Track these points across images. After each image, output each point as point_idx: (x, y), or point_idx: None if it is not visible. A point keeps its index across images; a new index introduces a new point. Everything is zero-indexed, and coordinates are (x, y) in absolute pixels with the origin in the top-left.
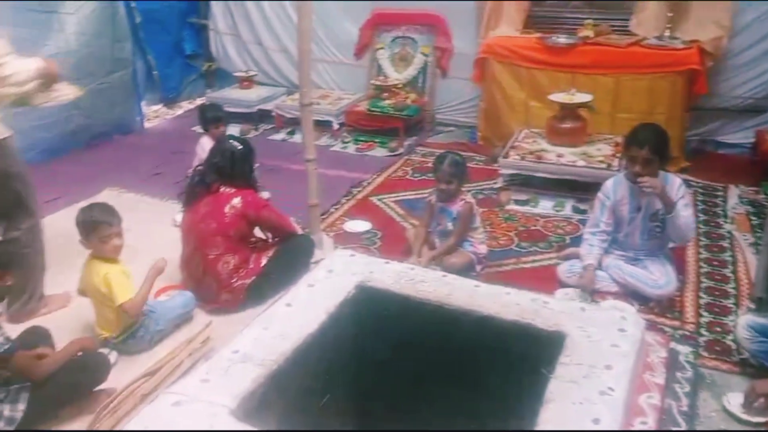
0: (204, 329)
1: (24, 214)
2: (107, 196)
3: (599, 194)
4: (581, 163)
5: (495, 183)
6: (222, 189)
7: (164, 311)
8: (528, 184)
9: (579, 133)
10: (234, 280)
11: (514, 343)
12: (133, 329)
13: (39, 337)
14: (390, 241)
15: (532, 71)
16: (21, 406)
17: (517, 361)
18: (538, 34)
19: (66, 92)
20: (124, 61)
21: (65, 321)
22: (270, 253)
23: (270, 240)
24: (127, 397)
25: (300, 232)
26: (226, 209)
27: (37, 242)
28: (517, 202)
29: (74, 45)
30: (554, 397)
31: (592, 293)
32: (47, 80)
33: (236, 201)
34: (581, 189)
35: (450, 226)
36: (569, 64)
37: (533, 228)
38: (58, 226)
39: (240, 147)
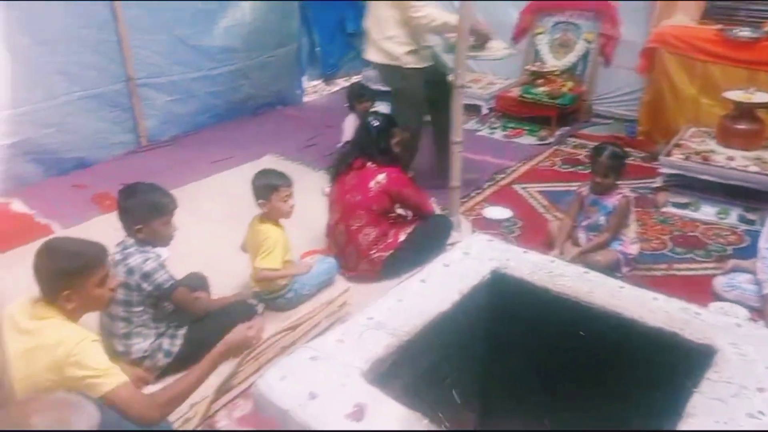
0: (342, 294)
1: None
2: (268, 161)
3: None
4: (754, 168)
5: (653, 182)
6: (369, 165)
7: (310, 277)
8: (690, 186)
9: (755, 136)
10: (373, 251)
11: (655, 352)
12: (283, 290)
13: (198, 281)
14: (530, 232)
15: (707, 65)
16: (178, 342)
17: (657, 371)
18: (718, 26)
19: (497, 49)
20: (291, 37)
21: (220, 274)
22: (408, 229)
23: (409, 218)
24: (268, 347)
25: (438, 212)
26: (371, 184)
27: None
28: (675, 204)
29: (248, 18)
30: (696, 413)
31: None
32: (479, 37)
33: (381, 177)
34: (751, 197)
35: (602, 220)
36: (750, 60)
37: (691, 234)
38: (226, 184)
39: (378, 123)
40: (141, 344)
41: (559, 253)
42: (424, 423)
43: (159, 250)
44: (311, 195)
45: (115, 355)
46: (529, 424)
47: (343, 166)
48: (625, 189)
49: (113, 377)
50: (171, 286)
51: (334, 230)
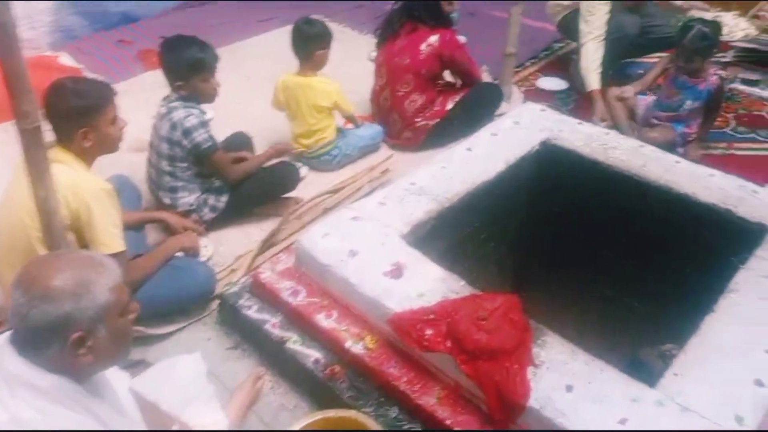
0: (386, 160)
1: None
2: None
3: None
4: None
5: (723, 56)
6: (420, 27)
7: (355, 138)
8: (762, 62)
9: None
10: (418, 119)
11: (708, 228)
12: (330, 147)
13: (242, 142)
14: (586, 105)
15: None
16: (224, 198)
17: (708, 246)
18: None
19: None
20: None
21: (265, 132)
22: (456, 98)
23: (458, 85)
24: (311, 208)
25: (488, 80)
26: (422, 47)
27: None
28: (744, 81)
29: None
30: (739, 288)
31: None
32: None
33: (433, 39)
34: None
35: (687, 104)
36: None
37: (756, 113)
38: (272, 44)
39: None
40: (187, 198)
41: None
42: (461, 284)
43: (205, 107)
44: (355, 60)
45: (162, 207)
46: (567, 295)
47: (391, 28)
48: (717, 68)
49: (116, 241)
50: (209, 147)
51: (379, 95)
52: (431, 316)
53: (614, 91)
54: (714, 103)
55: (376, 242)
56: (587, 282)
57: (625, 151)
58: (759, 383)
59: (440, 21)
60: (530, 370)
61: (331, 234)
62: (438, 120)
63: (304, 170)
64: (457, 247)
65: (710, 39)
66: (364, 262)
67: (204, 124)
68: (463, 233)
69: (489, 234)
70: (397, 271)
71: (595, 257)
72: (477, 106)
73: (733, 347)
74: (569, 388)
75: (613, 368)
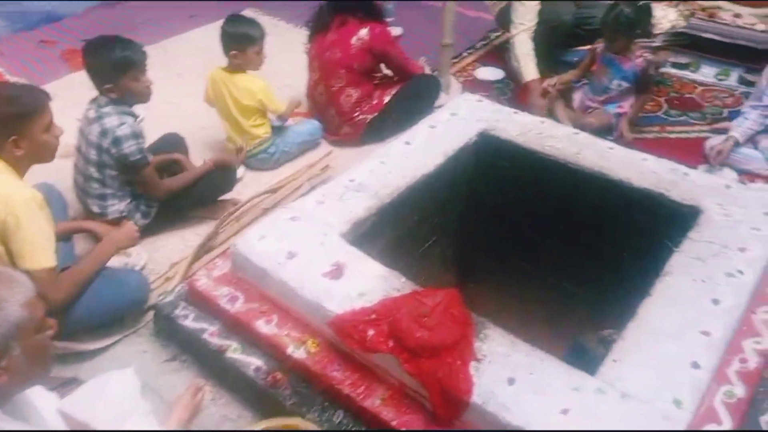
0: (325, 156)
1: None
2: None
3: None
4: (761, 27)
5: (653, 41)
6: (350, 20)
7: (293, 134)
8: (692, 45)
9: None
10: (356, 113)
11: (642, 213)
12: (265, 145)
13: (174, 143)
14: (524, 95)
15: None
16: (156, 204)
17: (643, 231)
18: None
19: None
20: None
21: (200, 132)
22: (393, 90)
23: (395, 78)
24: (250, 209)
25: (425, 71)
26: (353, 40)
27: None
28: (674, 65)
29: None
30: (674, 271)
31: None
32: None
33: (363, 32)
34: (754, 58)
35: (614, 84)
36: None
37: (687, 96)
38: (204, 40)
39: None
40: (117, 205)
41: (546, 109)
42: (402, 281)
43: (137, 108)
44: (290, 54)
45: (91, 215)
46: (510, 285)
47: (322, 21)
48: (644, 50)
49: (45, 256)
50: (138, 160)
51: (314, 91)
52: (372, 316)
53: (550, 81)
54: (642, 85)
55: (315, 242)
56: (530, 270)
57: (561, 139)
58: (695, 365)
59: (371, 13)
60: (472, 365)
61: (267, 236)
62: (376, 114)
63: (240, 170)
64: (399, 243)
65: (631, 18)
66: (302, 264)
67: (136, 135)
68: (405, 228)
69: (431, 228)
70: (337, 272)
71: (537, 245)
72: (414, 99)
73: (670, 330)
74: (511, 381)
75: (553, 358)
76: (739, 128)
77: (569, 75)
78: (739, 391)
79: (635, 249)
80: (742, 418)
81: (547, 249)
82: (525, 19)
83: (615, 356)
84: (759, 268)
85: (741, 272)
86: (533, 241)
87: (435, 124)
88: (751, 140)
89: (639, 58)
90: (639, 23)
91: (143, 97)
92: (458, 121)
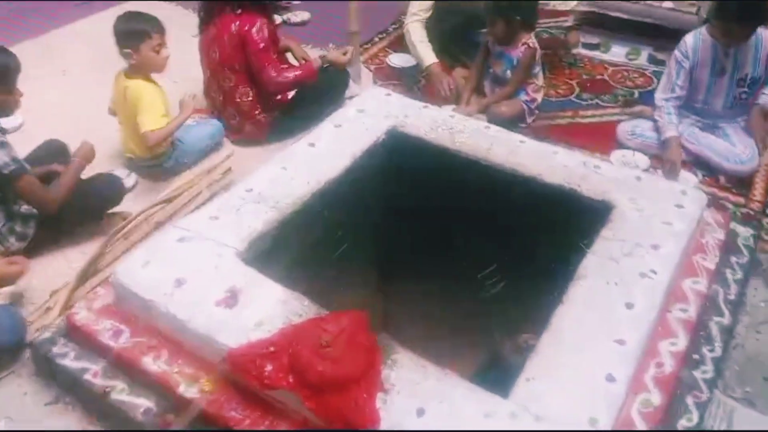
0: (225, 160)
1: None
2: (138, 5)
3: (676, 52)
4: (668, 4)
5: (565, 21)
6: (227, 10)
7: (193, 142)
8: (602, 25)
9: None
10: (257, 111)
11: (555, 210)
12: (161, 159)
13: (55, 152)
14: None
15: None
16: (33, 223)
17: (557, 229)
18: None
19: None
20: None
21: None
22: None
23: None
24: (141, 223)
25: (314, 65)
26: (226, 38)
27: None
28: (585, 45)
29: None
30: (587, 274)
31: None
32: None
33: (234, 28)
34: (662, 36)
35: (508, 73)
36: None
37: (599, 77)
38: (93, 31)
39: None
40: None
41: (465, 105)
42: (305, 303)
43: (7, 121)
44: (190, 44)
45: None
46: (431, 285)
47: (205, 11)
48: (531, 38)
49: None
50: (13, 171)
51: (209, 89)
52: (271, 349)
53: (459, 71)
54: (518, 71)
55: (208, 266)
56: (450, 270)
57: (471, 134)
58: (610, 378)
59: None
60: (379, 396)
61: (152, 262)
62: (281, 110)
63: (131, 179)
64: (307, 256)
65: (510, 3)
66: (193, 293)
67: (3, 144)
68: (312, 239)
69: (343, 234)
70: (231, 299)
71: (456, 244)
72: (321, 92)
73: (583, 341)
74: (420, 412)
75: (466, 382)
76: (671, 125)
77: (474, 70)
78: (656, 399)
79: (550, 248)
80: (660, 424)
81: (467, 248)
82: (418, 9)
83: (528, 374)
84: (672, 265)
85: (654, 272)
86: (452, 240)
87: (341, 122)
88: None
89: (523, 45)
90: (519, 9)
91: (10, 110)
92: (365, 118)
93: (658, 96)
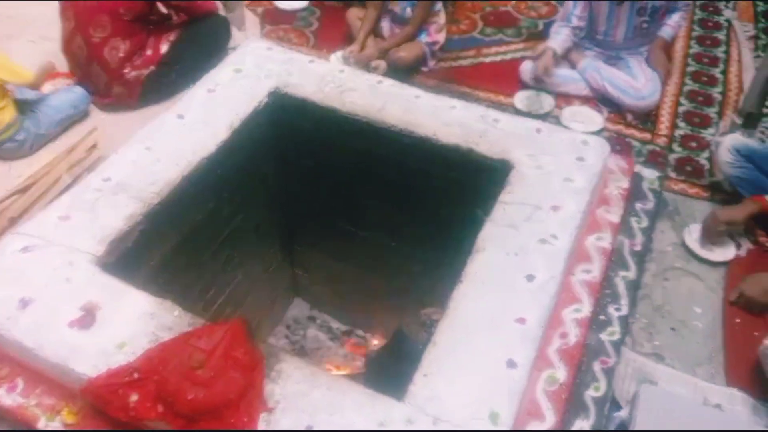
0: (87, 136)
1: None
2: None
3: None
4: None
5: None
6: None
7: (49, 111)
8: None
9: None
10: (126, 69)
11: (455, 172)
12: (10, 131)
13: None
14: (330, 24)
15: None
16: None
17: (456, 193)
18: None
19: None
20: None
21: None
22: (172, 37)
23: (174, 19)
24: None
25: (220, 10)
26: None
27: None
28: None
29: None
30: (486, 246)
31: (544, 82)
32: None
33: None
34: None
35: (408, 11)
36: None
37: (503, 9)
38: None
39: None
40: None
41: (360, 49)
42: (175, 314)
43: None
44: None
45: None
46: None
47: None
48: None
49: None
50: None
51: (71, 44)
52: (135, 376)
53: (354, 11)
54: (418, 9)
55: (58, 278)
56: (358, 235)
57: (363, 92)
58: (511, 364)
59: None
60: (262, 417)
61: None
62: (153, 68)
63: None
64: (179, 254)
65: None
66: (41, 314)
67: None
68: (184, 233)
69: (231, 213)
70: (87, 318)
71: (360, 207)
72: (199, 45)
73: (482, 324)
74: (309, 428)
75: (358, 386)
76: (553, 41)
77: (371, 10)
78: (561, 374)
79: (455, 215)
80: (566, 403)
81: (371, 211)
82: None
83: (425, 369)
84: (573, 227)
85: (555, 237)
86: (356, 204)
87: (214, 86)
88: (567, 60)
89: None
90: None
91: None
92: (243, 79)
93: (554, 26)
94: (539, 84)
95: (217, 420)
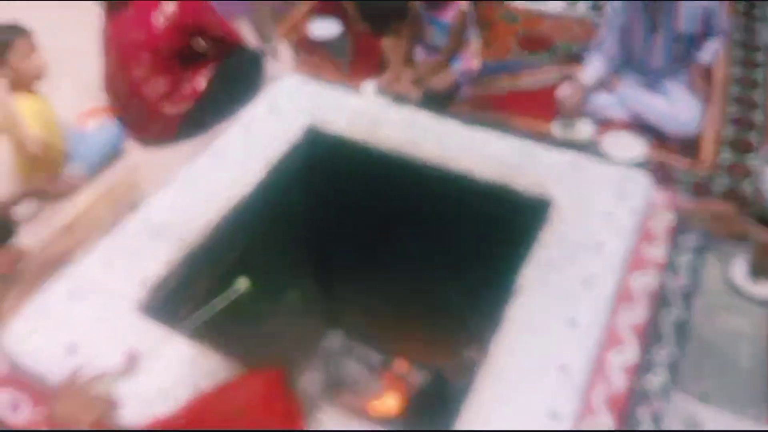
0: (127, 174)
1: None
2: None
3: (608, 7)
4: None
5: None
6: None
7: (87, 152)
8: None
9: None
10: (166, 106)
11: (490, 208)
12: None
13: None
14: (364, 53)
15: None
16: None
17: (494, 231)
18: None
19: None
20: None
21: None
22: (209, 73)
23: (207, 54)
24: (37, 260)
25: (245, 42)
26: (158, 18)
27: None
28: None
29: None
30: (526, 288)
31: (578, 117)
32: None
33: (169, 8)
34: None
35: (439, 40)
36: None
37: (537, 31)
38: None
39: None
40: None
41: (395, 78)
42: (215, 359)
43: None
44: (86, 33)
45: None
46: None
47: None
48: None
49: None
50: None
51: (113, 81)
52: (181, 422)
53: (388, 41)
54: (451, 38)
55: (102, 324)
56: (399, 269)
57: (397, 127)
58: (554, 415)
59: None
60: None
61: (40, 328)
62: (191, 104)
63: (29, 206)
64: (221, 289)
65: None
66: (86, 359)
67: None
68: (224, 269)
69: (263, 253)
70: (129, 363)
71: (400, 244)
72: (236, 80)
73: (524, 371)
74: None
75: None
76: (585, 73)
77: (403, 41)
78: (606, 422)
79: (490, 250)
80: None
81: (407, 245)
82: None
83: (465, 421)
84: (616, 266)
85: (598, 278)
86: (391, 238)
87: (249, 123)
88: (605, 86)
89: (454, 8)
90: None
91: None
92: (278, 116)
93: (588, 56)
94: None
95: None
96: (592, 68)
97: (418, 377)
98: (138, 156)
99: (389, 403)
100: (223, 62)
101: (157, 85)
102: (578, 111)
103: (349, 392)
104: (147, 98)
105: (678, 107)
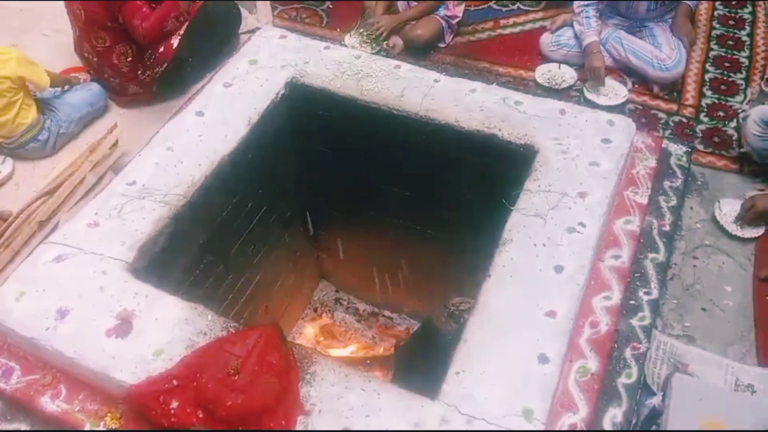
0: (108, 134)
1: None
2: None
3: None
4: None
5: None
6: None
7: (68, 110)
8: None
9: None
10: (139, 71)
11: (476, 158)
12: (33, 132)
13: None
14: (343, 1)
15: None
16: None
17: (481, 181)
18: None
19: None
20: None
21: None
22: (182, 30)
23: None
24: (21, 224)
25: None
26: None
27: None
28: None
29: None
30: (513, 237)
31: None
32: None
33: None
34: None
35: None
36: None
37: None
38: None
39: None
40: None
41: (377, 23)
42: (209, 318)
43: None
44: None
45: None
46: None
47: None
48: None
49: None
50: None
51: (81, 49)
52: (174, 383)
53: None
54: None
55: (92, 287)
56: (386, 221)
57: (380, 79)
58: (543, 359)
59: None
60: (300, 420)
61: (27, 291)
62: (166, 64)
63: (8, 165)
64: (213, 246)
65: None
66: (78, 323)
67: None
68: (212, 231)
69: (252, 210)
70: (123, 326)
71: (387, 196)
72: (210, 34)
73: (512, 319)
74: (346, 429)
75: (392, 387)
76: (591, 30)
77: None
78: (593, 363)
79: (476, 199)
80: (598, 392)
81: (394, 197)
82: None
83: (457, 366)
84: (601, 214)
85: (583, 225)
86: (378, 190)
87: (231, 80)
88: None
89: None
90: None
91: None
92: (259, 71)
93: (576, 2)
94: (559, 56)
95: (256, 424)
96: (594, 23)
97: (407, 327)
98: (117, 114)
99: (379, 350)
100: (195, 17)
101: (126, 54)
102: (602, 68)
103: (340, 341)
104: (118, 67)
105: (662, 51)
